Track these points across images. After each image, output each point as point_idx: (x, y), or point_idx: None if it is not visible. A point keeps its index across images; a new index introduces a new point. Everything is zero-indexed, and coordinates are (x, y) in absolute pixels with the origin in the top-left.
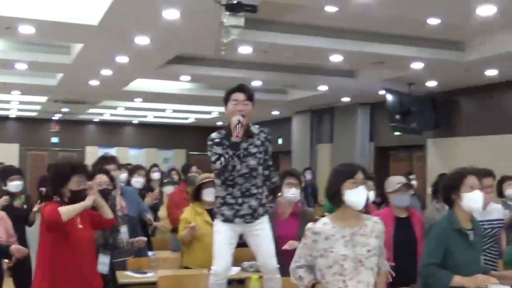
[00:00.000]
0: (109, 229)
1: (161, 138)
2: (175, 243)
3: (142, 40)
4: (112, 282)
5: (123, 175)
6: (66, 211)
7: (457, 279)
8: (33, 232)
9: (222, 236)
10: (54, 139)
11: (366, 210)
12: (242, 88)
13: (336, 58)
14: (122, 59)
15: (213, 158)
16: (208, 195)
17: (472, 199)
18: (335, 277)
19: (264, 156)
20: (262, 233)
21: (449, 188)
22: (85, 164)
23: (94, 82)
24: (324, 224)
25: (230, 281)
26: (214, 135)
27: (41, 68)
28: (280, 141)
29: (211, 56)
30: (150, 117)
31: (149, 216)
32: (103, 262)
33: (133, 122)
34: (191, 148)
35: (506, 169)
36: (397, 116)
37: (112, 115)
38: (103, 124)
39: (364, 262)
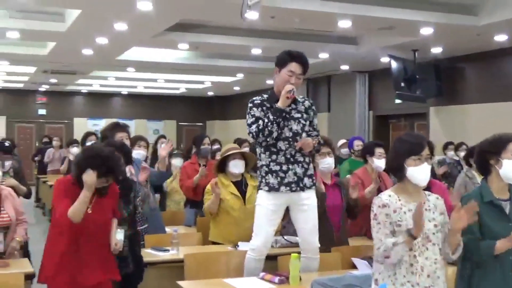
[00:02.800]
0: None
1: (150, 109)
2: (189, 218)
3: (144, 5)
4: (134, 259)
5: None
6: (75, 211)
7: (499, 245)
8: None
9: (264, 209)
10: (41, 111)
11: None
12: (302, 60)
13: (344, 24)
14: (121, 26)
15: (249, 121)
16: (235, 167)
17: None
18: (407, 252)
19: (308, 124)
20: (309, 209)
21: (488, 152)
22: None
23: (87, 51)
24: (389, 196)
25: None
26: (255, 97)
27: (34, 36)
28: None
29: (212, 23)
30: (140, 88)
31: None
32: (118, 239)
33: (122, 92)
34: (181, 119)
35: None
36: (402, 84)
37: (101, 85)
38: (92, 95)
39: (431, 237)
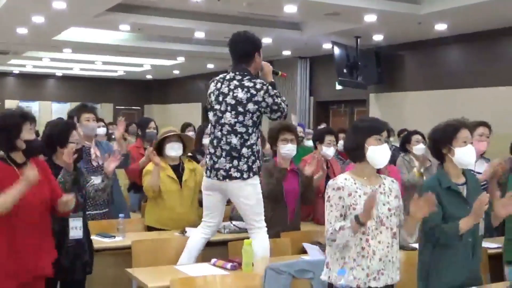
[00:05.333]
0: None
1: (86, 92)
2: (133, 203)
3: None
4: (89, 247)
5: (102, 130)
6: (3, 203)
7: (463, 224)
8: None
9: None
10: None
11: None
12: None
13: (290, 9)
14: (59, 4)
15: (278, 94)
16: (172, 149)
17: (465, 154)
18: (358, 236)
19: None
20: None
21: (440, 142)
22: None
23: (22, 30)
24: (345, 179)
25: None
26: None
27: None
28: None
29: (156, 4)
30: (76, 70)
31: None
32: (75, 226)
33: (56, 74)
34: (119, 102)
35: None
36: (344, 70)
37: (34, 66)
38: (24, 76)
39: (384, 221)
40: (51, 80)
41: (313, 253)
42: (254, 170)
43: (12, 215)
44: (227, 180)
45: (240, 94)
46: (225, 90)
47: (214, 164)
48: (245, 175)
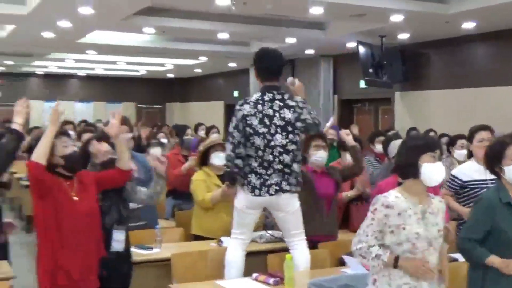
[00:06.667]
0: (124, 183)
1: (109, 91)
2: (170, 210)
3: None
4: (128, 260)
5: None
6: (38, 150)
7: (491, 259)
8: None
9: None
10: None
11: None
12: None
13: (316, 11)
14: (86, 10)
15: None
16: (217, 158)
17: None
18: (406, 255)
19: None
20: None
21: (491, 159)
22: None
23: (48, 34)
24: (396, 197)
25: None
26: None
27: None
28: (236, 93)
29: (181, 7)
30: (99, 69)
31: None
32: (118, 239)
33: (79, 74)
34: (141, 101)
35: (474, 123)
36: (370, 70)
37: (58, 67)
38: (47, 76)
39: (433, 243)
40: (74, 80)
41: (354, 266)
42: (301, 184)
43: (66, 223)
44: (280, 193)
45: (288, 114)
46: (270, 112)
47: (265, 181)
48: (293, 189)
